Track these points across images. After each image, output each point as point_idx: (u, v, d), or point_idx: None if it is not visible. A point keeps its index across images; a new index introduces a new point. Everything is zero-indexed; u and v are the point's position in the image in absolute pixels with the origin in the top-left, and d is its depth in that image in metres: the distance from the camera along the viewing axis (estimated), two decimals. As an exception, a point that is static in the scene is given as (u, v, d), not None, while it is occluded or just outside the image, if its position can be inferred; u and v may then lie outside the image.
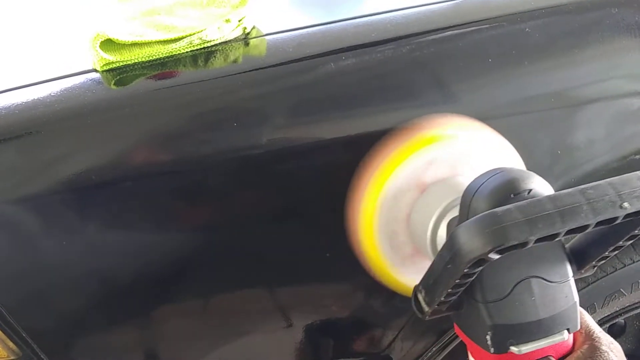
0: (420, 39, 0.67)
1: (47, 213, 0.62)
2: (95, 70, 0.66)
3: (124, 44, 0.65)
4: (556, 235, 0.40)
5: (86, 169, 0.61)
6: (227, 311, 0.73)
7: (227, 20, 0.69)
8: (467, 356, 0.55)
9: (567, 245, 0.50)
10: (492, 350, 0.48)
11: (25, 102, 0.63)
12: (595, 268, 0.52)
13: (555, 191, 0.44)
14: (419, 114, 0.65)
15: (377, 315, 0.76)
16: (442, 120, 0.63)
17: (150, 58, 0.66)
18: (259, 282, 0.71)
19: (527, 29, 0.68)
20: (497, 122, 0.65)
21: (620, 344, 0.52)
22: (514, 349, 0.48)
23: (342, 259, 0.71)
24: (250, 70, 0.65)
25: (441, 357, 0.77)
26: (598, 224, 0.41)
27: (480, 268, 0.43)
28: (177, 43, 0.66)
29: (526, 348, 0.48)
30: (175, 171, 0.63)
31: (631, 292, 0.85)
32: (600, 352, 0.49)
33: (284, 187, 0.66)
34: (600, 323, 0.87)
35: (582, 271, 0.52)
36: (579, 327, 0.50)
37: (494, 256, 0.41)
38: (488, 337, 0.48)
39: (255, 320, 0.73)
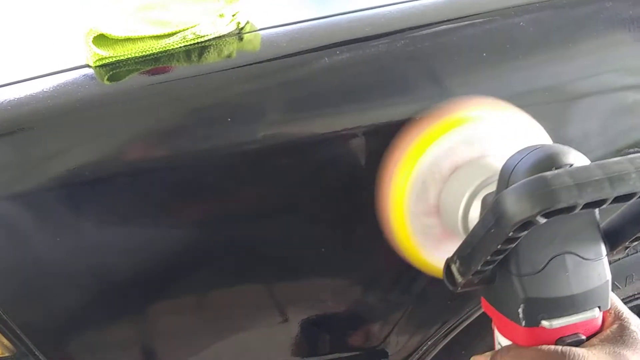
0: (414, 33, 0.67)
1: (40, 209, 0.62)
2: (89, 66, 0.66)
3: (117, 39, 0.65)
4: (604, 201, 0.40)
5: (79, 165, 0.61)
6: (223, 307, 0.73)
7: (221, 15, 0.69)
8: (493, 335, 0.55)
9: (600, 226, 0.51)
10: (523, 323, 0.48)
11: (18, 98, 0.62)
12: (627, 249, 0.52)
13: None
14: (414, 109, 0.65)
15: (372, 310, 0.76)
16: (469, 103, 0.64)
17: (144, 53, 0.66)
18: (255, 277, 0.71)
19: (521, 23, 0.68)
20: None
21: None
22: (545, 323, 0.48)
23: (337, 253, 0.71)
24: (244, 65, 0.65)
25: (436, 351, 0.77)
26: None
27: (525, 232, 0.43)
28: (171, 38, 0.66)
29: (557, 323, 0.48)
30: (168, 167, 0.63)
31: (625, 286, 0.85)
32: (629, 332, 0.49)
33: (278, 182, 0.66)
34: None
35: (614, 252, 0.51)
36: (609, 306, 0.50)
37: (541, 220, 0.40)
38: (520, 310, 0.48)
39: (251, 315, 0.73)
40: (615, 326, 0.50)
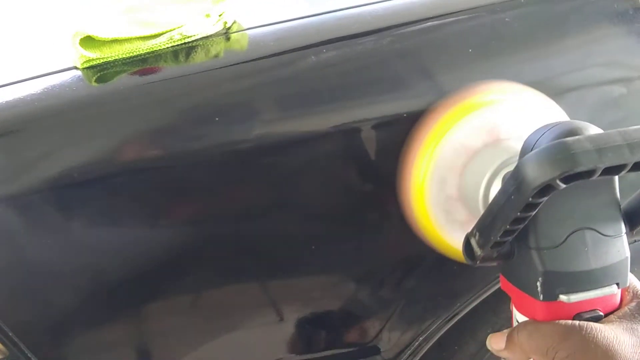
0: (401, 31, 0.68)
1: (30, 211, 0.62)
2: (76, 68, 0.66)
3: (104, 41, 0.65)
4: (624, 167, 0.41)
5: (68, 167, 0.61)
6: (217, 305, 0.73)
7: (208, 15, 0.69)
8: (511, 314, 0.55)
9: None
10: (541, 297, 0.48)
11: (5, 101, 0.62)
12: None
13: None
14: (404, 106, 0.65)
15: (364, 307, 0.76)
16: (487, 87, 0.64)
17: (131, 54, 0.66)
18: (248, 276, 0.72)
19: (506, 19, 0.68)
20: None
21: None
22: (563, 297, 0.48)
23: (327, 251, 0.71)
24: (231, 65, 0.65)
25: (428, 347, 0.77)
26: None
27: (545, 198, 0.43)
28: (158, 39, 0.66)
29: (575, 297, 0.48)
30: (157, 167, 0.63)
31: None
32: None
33: (268, 180, 0.67)
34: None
35: (634, 232, 0.51)
36: (628, 284, 0.50)
37: (561, 185, 0.41)
38: (538, 284, 0.48)
39: (245, 313, 0.74)
40: (633, 304, 0.50)
